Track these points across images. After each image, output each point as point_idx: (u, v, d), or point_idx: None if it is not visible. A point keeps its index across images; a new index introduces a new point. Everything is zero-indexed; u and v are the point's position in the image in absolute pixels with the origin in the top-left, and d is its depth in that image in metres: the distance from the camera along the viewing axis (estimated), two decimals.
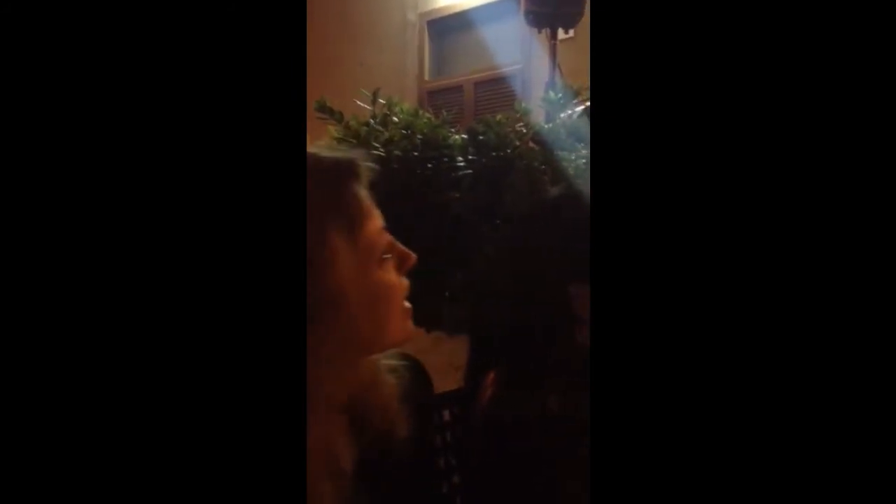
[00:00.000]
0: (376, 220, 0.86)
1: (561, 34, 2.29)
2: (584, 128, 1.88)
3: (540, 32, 2.25)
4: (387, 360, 0.93)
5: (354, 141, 1.55)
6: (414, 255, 0.89)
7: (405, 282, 0.89)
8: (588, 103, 2.09)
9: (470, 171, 1.44)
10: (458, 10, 4.81)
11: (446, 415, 1.19)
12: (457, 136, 1.54)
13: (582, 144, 1.72)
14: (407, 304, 0.89)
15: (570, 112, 1.88)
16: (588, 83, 2.46)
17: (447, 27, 4.99)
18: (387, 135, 1.55)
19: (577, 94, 1.78)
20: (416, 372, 1.02)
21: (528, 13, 2.09)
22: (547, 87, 1.98)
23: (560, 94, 1.67)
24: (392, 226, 0.88)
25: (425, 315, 1.40)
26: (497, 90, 4.55)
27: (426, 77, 5.04)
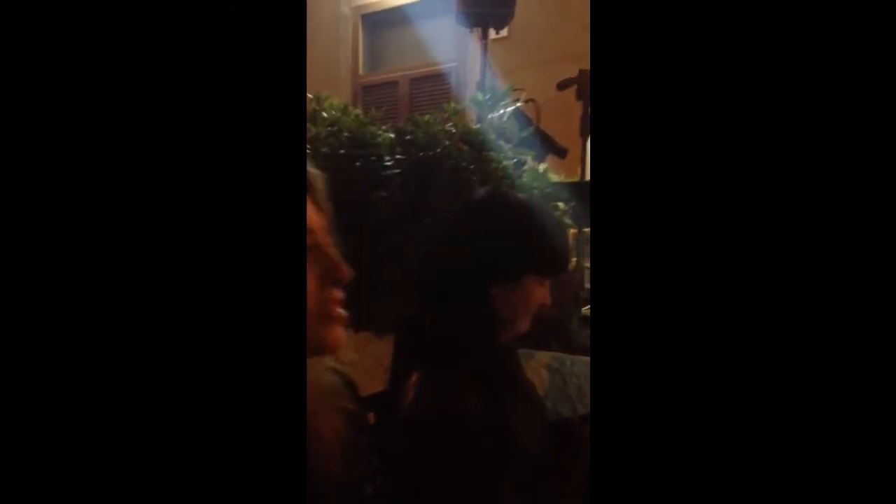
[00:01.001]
0: (329, 237, 0.84)
1: (495, 33, 2.32)
2: (513, 128, 1.91)
3: (471, 32, 2.27)
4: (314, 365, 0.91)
5: None
6: (350, 272, 0.87)
7: (340, 293, 0.88)
8: (518, 104, 2.13)
9: (398, 170, 1.43)
10: (393, 5, 4.78)
11: (371, 417, 1.18)
12: (385, 135, 1.53)
13: (510, 145, 1.74)
14: (342, 312, 0.88)
15: (500, 112, 1.91)
16: (518, 83, 2.50)
17: (382, 22, 4.94)
18: (314, 131, 1.52)
19: (505, 95, 1.80)
20: (341, 374, 1.00)
21: (459, 13, 2.10)
22: (477, 88, 2.00)
23: (488, 96, 1.69)
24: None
25: (353, 315, 1.39)
26: (433, 87, 4.55)
27: (360, 71, 4.97)
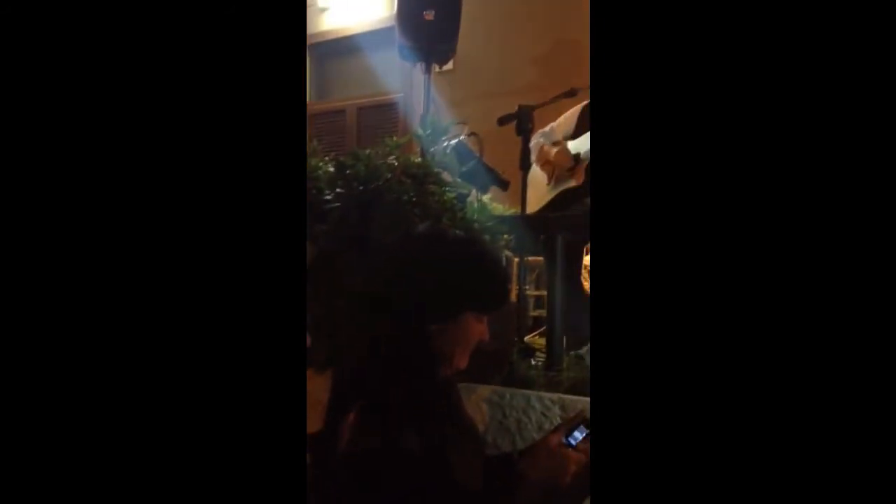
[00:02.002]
0: None
1: (439, 68, 2.36)
2: (456, 161, 1.94)
3: (414, 66, 2.30)
4: None
5: None
6: None
7: None
8: (461, 137, 2.16)
9: (338, 203, 1.43)
10: (340, 35, 4.80)
11: (308, 457, 1.15)
12: (325, 168, 1.53)
13: (453, 178, 1.76)
14: None
15: (443, 145, 1.94)
16: (463, 116, 2.55)
17: (329, 52, 4.95)
18: None
19: (447, 129, 1.83)
20: None
21: (401, 47, 2.13)
22: (420, 121, 2.02)
23: (429, 130, 1.71)
24: None
25: None
26: (380, 116, 4.57)
27: (308, 99, 4.96)
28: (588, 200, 2.40)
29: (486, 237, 1.55)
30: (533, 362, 1.95)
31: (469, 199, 2.22)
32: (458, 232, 1.15)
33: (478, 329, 1.07)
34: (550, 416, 1.20)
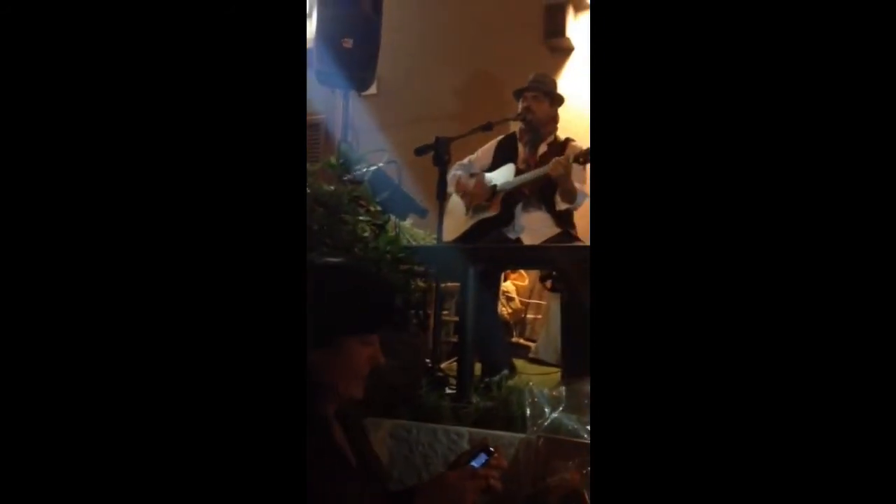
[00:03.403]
0: None
1: (358, 94, 2.36)
2: (372, 190, 1.93)
3: (333, 92, 2.29)
4: None
5: None
6: None
7: None
8: (379, 165, 2.17)
9: None
10: None
11: None
12: None
13: (363, 210, 1.75)
14: None
15: (361, 172, 1.93)
16: (384, 142, 2.56)
17: None
18: None
19: (362, 158, 1.82)
20: None
21: (318, 72, 2.12)
22: (337, 148, 2.01)
23: (342, 159, 1.70)
24: None
25: None
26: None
27: None
28: (504, 230, 2.47)
29: (385, 265, 1.54)
30: (448, 391, 1.95)
31: (388, 226, 2.22)
32: (332, 259, 1.13)
33: (365, 353, 1.04)
34: (457, 449, 1.20)
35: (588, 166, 2.28)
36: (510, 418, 1.20)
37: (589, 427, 1.07)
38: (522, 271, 3.37)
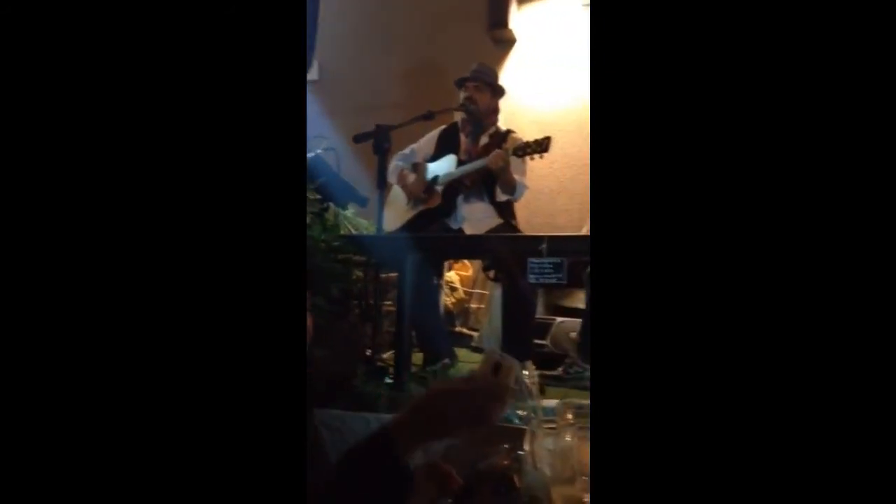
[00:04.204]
0: None
1: None
2: (310, 175, 1.89)
3: None
4: None
5: None
6: None
7: None
8: (317, 151, 2.13)
9: None
10: None
11: None
12: None
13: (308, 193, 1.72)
14: None
15: None
16: (322, 129, 2.51)
17: None
18: None
19: None
20: None
21: None
22: None
23: None
24: None
25: None
26: None
27: None
28: (446, 221, 2.47)
29: (319, 254, 1.51)
30: (388, 380, 1.94)
31: (327, 215, 2.19)
32: None
33: None
34: None
35: (527, 158, 2.31)
36: None
37: (521, 413, 1.09)
38: (466, 262, 3.39)
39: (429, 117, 2.25)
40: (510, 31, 3.52)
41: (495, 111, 2.60)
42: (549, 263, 1.45)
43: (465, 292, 3.38)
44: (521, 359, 1.53)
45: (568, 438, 0.94)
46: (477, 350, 2.89)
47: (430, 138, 2.62)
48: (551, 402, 1.14)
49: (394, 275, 2.34)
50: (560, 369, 2.29)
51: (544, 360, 2.44)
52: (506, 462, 1.03)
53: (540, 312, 2.96)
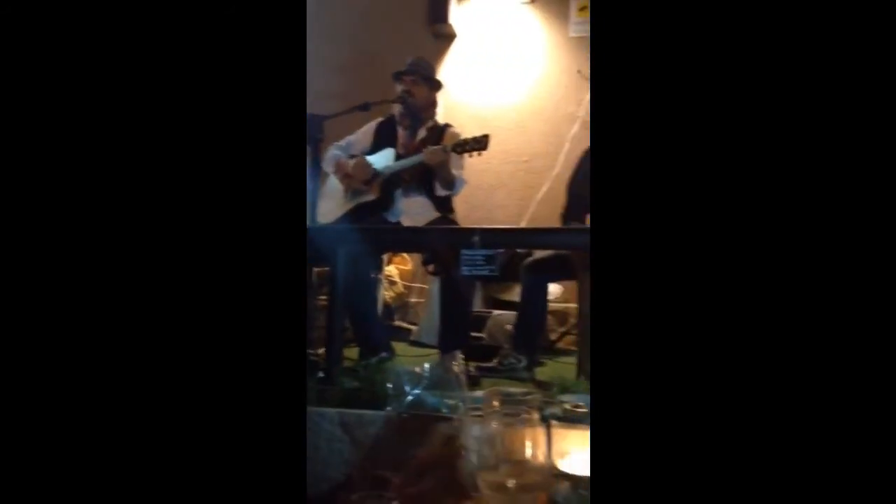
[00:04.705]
0: None
1: None
2: None
3: None
4: None
5: None
6: None
7: None
8: None
9: None
10: None
11: None
12: None
13: None
14: None
15: None
16: None
17: None
18: None
19: None
20: None
21: None
22: None
23: None
24: None
25: None
26: None
27: None
28: (384, 214, 2.46)
29: None
30: (320, 374, 1.92)
31: None
32: None
33: None
34: (318, 430, 1.19)
35: (465, 155, 2.32)
36: (374, 398, 1.21)
37: (449, 402, 1.10)
38: (406, 256, 3.39)
39: (364, 108, 2.22)
40: (450, 26, 3.53)
41: (433, 105, 2.60)
42: (482, 255, 1.47)
43: (405, 286, 3.37)
44: (457, 348, 1.54)
45: (494, 426, 0.95)
46: (415, 344, 2.90)
47: (366, 130, 2.59)
48: (479, 393, 1.15)
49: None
50: (495, 361, 2.32)
51: (480, 352, 2.48)
52: (435, 451, 1.04)
53: (478, 305, 3.00)
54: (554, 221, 2.78)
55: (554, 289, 2.92)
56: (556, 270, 2.40)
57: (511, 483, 0.92)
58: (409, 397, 1.13)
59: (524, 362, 2.27)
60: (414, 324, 3.17)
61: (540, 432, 0.94)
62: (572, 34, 3.47)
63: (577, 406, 0.96)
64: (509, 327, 2.56)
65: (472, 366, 2.31)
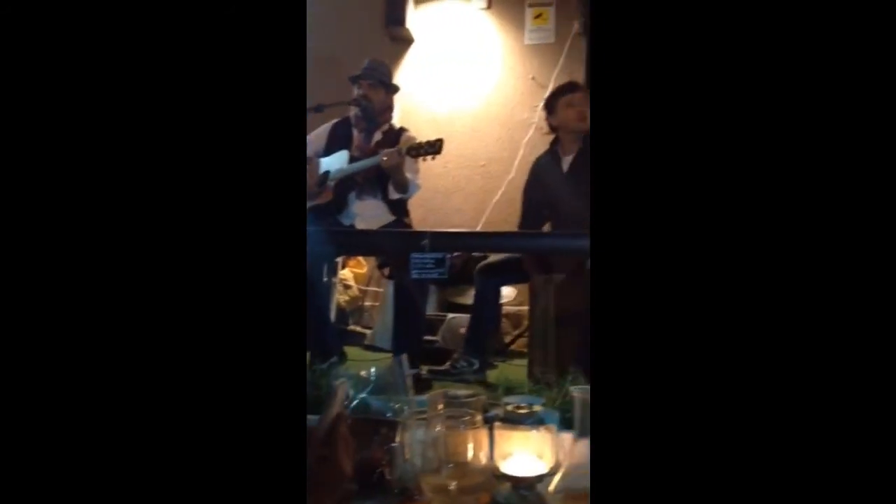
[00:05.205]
0: None
1: None
2: None
3: None
4: None
5: None
6: None
7: None
8: None
9: None
10: None
11: None
12: None
13: None
14: None
15: None
16: None
17: None
18: None
19: None
20: None
21: None
22: None
23: None
24: None
25: None
26: None
27: None
28: (338, 217, 2.44)
29: None
30: None
31: None
32: None
33: None
34: None
35: (420, 159, 2.32)
36: (319, 401, 1.20)
37: (394, 406, 1.10)
38: (361, 259, 3.37)
39: (318, 110, 2.21)
40: (407, 29, 3.53)
41: (389, 108, 2.60)
42: (432, 259, 1.47)
43: (360, 290, 3.35)
44: (410, 354, 1.54)
45: (438, 429, 0.95)
46: (370, 348, 2.88)
47: (320, 132, 2.57)
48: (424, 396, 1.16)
49: None
50: (448, 364, 2.33)
51: (433, 356, 2.48)
52: (378, 454, 1.03)
53: (434, 309, 3.00)
54: (510, 225, 2.81)
55: (509, 292, 2.95)
56: (510, 273, 2.42)
57: (453, 485, 0.93)
58: (354, 401, 1.12)
59: (476, 365, 2.28)
60: (369, 328, 3.15)
61: (483, 434, 0.95)
62: (528, 42, 3.53)
63: (520, 408, 0.98)
64: (463, 330, 2.58)
65: (425, 369, 2.31)
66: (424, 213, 3.36)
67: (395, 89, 2.62)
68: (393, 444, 1.02)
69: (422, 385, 2.09)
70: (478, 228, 3.44)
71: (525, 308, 2.93)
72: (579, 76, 3.39)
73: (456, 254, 2.58)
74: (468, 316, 2.56)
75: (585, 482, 0.80)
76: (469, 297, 2.86)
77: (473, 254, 2.71)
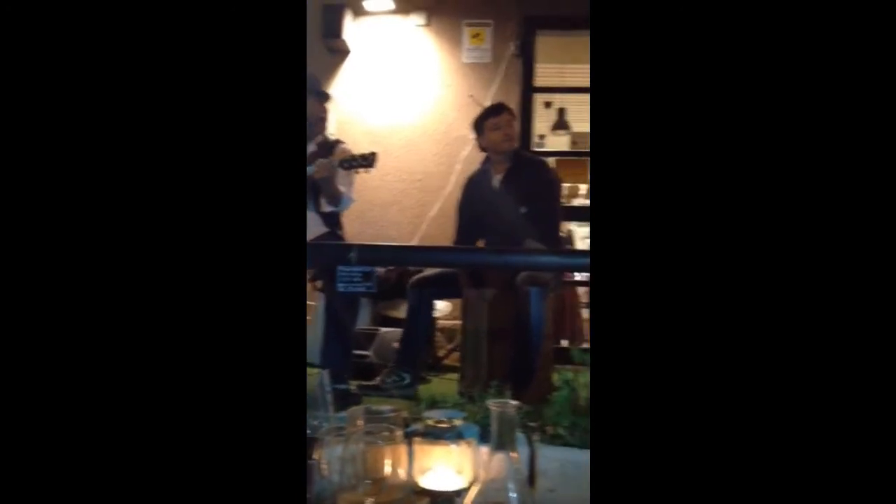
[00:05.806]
0: None
1: None
2: None
3: None
4: None
5: None
6: None
7: None
8: None
9: None
10: None
11: None
12: None
13: None
14: None
15: None
16: None
17: None
18: None
19: None
20: None
21: None
22: None
23: None
24: None
25: None
26: None
27: None
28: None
29: None
30: None
31: None
32: None
33: None
34: None
35: (354, 173, 2.30)
36: None
37: (311, 421, 1.08)
38: None
39: None
40: (344, 41, 3.52)
41: (322, 119, 2.57)
42: (359, 272, 1.45)
43: None
44: (339, 369, 1.51)
45: (355, 445, 0.94)
46: None
47: None
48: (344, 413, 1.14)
49: None
50: (378, 379, 2.31)
51: (365, 371, 2.45)
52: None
53: (366, 323, 2.97)
54: (447, 240, 2.82)
55: (443, 306, 2.95)
56: (443, 287, 2.43)
57: (370, 502, 0.91)
58: None
59: (407, 380, 2.27)
60: None
61: (402, 449, 0.94)
62: (465, 60, 3.58)
63: (440, 422, 0.97)
64: (396, 345, 2.56)
65: (354, 384, 2.27)
66: (361, 226, 3.33)
67: (327, 98, 2.60)
68: (309, 461, 0.99)
69: (350, 400, 2.06)
70: (414, 242, 3.44)
71: (459, 322, 2.95)
72: (515, 96, 3.48)
73: (390, 267, 2.57)
74: (401, 330, 2.55)
75: (501, 496, 0.80)
76: (403, 311, 2.86)
77: (408, 267, 2.71)
